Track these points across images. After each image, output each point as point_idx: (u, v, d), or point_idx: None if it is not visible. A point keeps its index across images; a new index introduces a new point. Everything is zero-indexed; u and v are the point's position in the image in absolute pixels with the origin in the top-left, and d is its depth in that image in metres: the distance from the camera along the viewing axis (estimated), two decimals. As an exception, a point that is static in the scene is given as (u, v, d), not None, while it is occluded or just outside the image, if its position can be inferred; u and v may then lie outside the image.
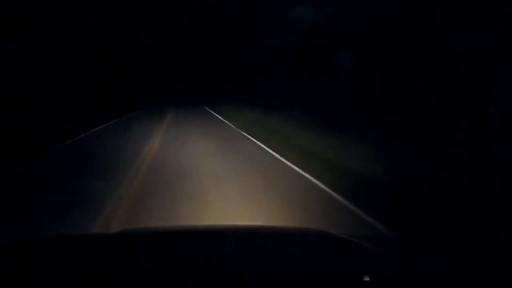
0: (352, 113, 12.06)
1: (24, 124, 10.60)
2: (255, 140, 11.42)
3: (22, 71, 10.10)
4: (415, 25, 12.12)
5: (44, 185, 6.43)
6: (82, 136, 12.65)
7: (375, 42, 13.61)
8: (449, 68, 10.47)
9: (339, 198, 5.47)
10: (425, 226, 4.20)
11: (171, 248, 1.78)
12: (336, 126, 10.77)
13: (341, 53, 14.84)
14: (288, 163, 7.97)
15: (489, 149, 6.75)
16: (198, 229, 2.28)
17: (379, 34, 13.54)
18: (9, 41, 9.30)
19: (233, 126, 15.73)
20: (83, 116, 14.76)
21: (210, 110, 25.00)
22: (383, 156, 7.60)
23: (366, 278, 1.40)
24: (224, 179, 6.64)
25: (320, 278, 1.41)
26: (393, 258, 1.68)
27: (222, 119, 19.23)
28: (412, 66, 11.49)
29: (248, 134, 12.80)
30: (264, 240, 1.92)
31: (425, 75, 11.12)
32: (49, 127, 11.39)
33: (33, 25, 10.68)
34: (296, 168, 7.46)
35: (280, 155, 8.80)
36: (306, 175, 6.92)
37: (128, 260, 1.63)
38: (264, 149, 9.85)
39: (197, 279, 1.39)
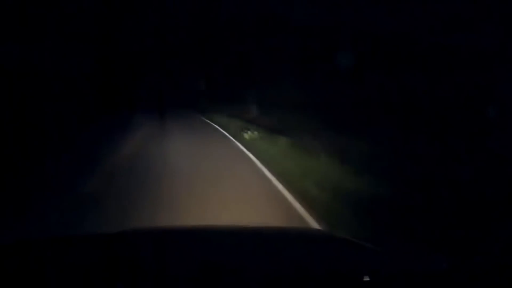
0: (352, 114, 12.08)
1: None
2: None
3: (21, 72, 10.13)
4: (416, 25, 12.14)
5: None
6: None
7: (376, 43, 13.64)
8: (450, 68, 10.49)
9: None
10: (425, 225, 4.20)
11: (171, 248, 1.78)
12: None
13: (341, 53, 14.85)
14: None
15: (489, 148, 6.77)
16: (198, 229, 2.27)
17: (380, 35, 13.56)
18: (7, 41, 9.29)
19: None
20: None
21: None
22: (385, 156, 7.60)
23: (366, 278, 1.40)
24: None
25: (320, 278, 1.41)
26: (393, 258, 1.68)
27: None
28: (413, 66, 11.51)
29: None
30: (265, 240, 1.92)
31: (426, 75, 11.14)
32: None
33: (31, 25, 10.68)
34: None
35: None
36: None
37: (128, 260, 1.63)
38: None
39: (197, 279, 1.39)
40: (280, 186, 6.38)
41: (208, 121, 20.09)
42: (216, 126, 17.24)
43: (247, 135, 12.88)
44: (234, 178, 7.02)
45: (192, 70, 34.64)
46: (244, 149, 10.58)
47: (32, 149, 8.61)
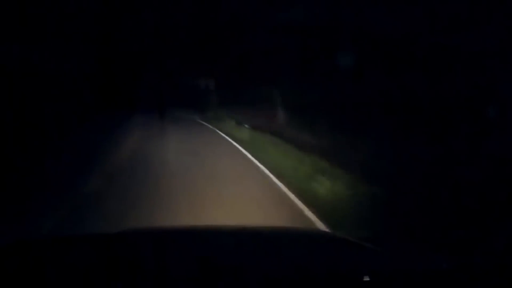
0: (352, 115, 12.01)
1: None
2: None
3: (22, 72, 10.14)
4: (416, 25, 12.14)
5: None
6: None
7: (376, 43, 13.62)
8: (450, 68, 10.47)
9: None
10: (425, 225, 4.20)
11: (171, 248, 1.78)
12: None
13: (341, 53, 14.82)
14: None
15: (489, 148, 6.76)
16: (198, 229, 2.27)
17: (380, 35, 13.54)
18: (7, 41, 9.30)
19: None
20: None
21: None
22: (385, 156, 7.60)
23: (366, 278, 1.40)
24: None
25: (320, 278, 1.40)
26: (393, 258, 1.68)
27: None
28: (414, 66, 11.49)
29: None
30: (265, 240, 1.92)
31: (426, 75, 11.12)
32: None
33: (32, 25, 10.68)
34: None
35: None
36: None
37: (128, 260, 1.63)
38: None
39: (197, 279, 1.39)
40: None
41: (225, 135, 14.29)
42: (242, 151, 10.51)
43: None
44: None
45: (192, 70, 34.62)
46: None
47: (32, 149, 8.61)
